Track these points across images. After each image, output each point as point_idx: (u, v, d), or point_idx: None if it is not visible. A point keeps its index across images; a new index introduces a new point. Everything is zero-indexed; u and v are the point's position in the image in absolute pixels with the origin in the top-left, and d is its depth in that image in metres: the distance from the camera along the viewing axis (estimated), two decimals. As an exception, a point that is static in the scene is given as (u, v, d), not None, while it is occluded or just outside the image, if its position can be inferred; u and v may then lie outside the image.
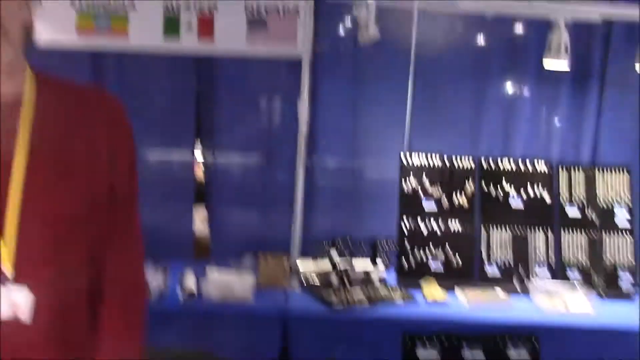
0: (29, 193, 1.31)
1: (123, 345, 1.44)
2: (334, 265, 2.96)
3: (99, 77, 3.27)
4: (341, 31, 3.42)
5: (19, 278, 1.31)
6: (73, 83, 1.45)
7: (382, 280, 3.04)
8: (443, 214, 3.12)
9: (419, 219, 3.11)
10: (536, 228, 3.12)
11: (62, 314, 1.36)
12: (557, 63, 3.08)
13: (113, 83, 3.27)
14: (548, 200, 3.15)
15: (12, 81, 1.32)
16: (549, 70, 3.31)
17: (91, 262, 1.42)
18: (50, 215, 1.34)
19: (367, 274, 3.04)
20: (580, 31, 3.35)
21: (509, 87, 3.52)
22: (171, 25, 3.14)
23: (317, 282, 2.95)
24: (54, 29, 3.08)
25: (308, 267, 3.02)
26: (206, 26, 3.15)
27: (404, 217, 3.11)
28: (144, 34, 3.15)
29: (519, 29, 3.45)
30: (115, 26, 3.14)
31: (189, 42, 3.16)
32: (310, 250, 3.03)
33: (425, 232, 3.09)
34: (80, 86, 1.45)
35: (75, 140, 1.38)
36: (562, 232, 3.12)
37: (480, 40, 3.50)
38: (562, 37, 3.06)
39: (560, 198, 3.17)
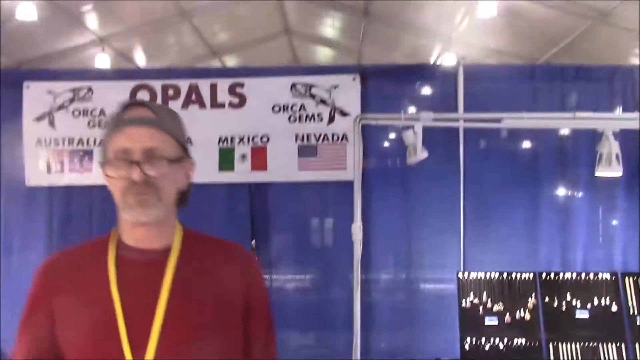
0: (164, 340, 1.43)
1: None
2: (397, 390, 2.88)
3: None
4: (390, 148, 3.52)
5: None
6: (215, 239, 1.62)
7: (449, 404, 2.93)
8: (506, 330, 3.03)
9: (481, 336, 3.02)
10: (607, 341, 2.99)
11: None
12: (609, 171, 3.07)
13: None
14: (616, 310, 3.04)
15: (162, 233, 1.50)
16: (604, 178, 3.29)
17: None
18: (184, 354, 1.44)
19: (432, 397, 2.94)
20: (627, 134, 3.36)
21: (562, 196, 3.51)
22: (226, 158, 3.31)
23: (381, 408, 2.87)
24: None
25: (371, 392, 2.94)
26: (259, 157, 3.30)
27: (466, 335, 3.04)
28: (199, 167, 3.30)
29: (566, 135, 3.48)
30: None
31: (242, 173, 3.31)
32: (372, 373, 2.97)
33: (489, 350, 3.00)
34: (221, 241, 1.62)
35: (213, 288, 1.51)
36: (635, 343, 2.98)
37: (528, 150, 3.53)
38: (612, 148, 3.05)
39: (629, 308, 3.05)
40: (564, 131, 3.50)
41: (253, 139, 3.32)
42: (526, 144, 3.55)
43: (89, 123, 3.38)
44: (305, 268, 3.53)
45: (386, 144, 3.52)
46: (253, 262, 1.62)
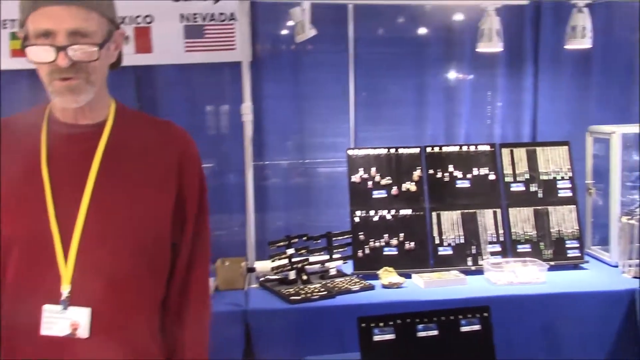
0: (93, 216, 1.40)
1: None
2: (291, 262, 3.00)
3: (36, 93, 3.24)
4: (279, 31, 3.46)
5: (76, 298, 1.39)
6: (149, 116, 1.60)
7: (340, 272, 3.09)
8: (393, 202, 3.19)
9: (370, 208, 3.17)
10: (484, 207, 3.21)
11: (120, 328, 1.44)
12: (490, 47, 3.18)
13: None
14: (493, 179, 3.25)
15: (95, 109, 1.46)
16: (486, 55, 3.42)
17: (154, 278, 1.51)
18: (110, 238, 1.42)
19: (324, 267, 3.09)
20: (511, 14, 3.46)
21: (449, 75, 3.62)
22: (108, 40, 3.15)
23: (275, 280, 2.99)
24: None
25: (265, 266, 3.05)
26: (143, 38, 3.16)
27: (355, 208, 3.17)
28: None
29: (453, 16, 3.54)
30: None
31: (126, 55, 3.14)
32: (267, 250, 3.06)
33: (377, 220, 3.16)
34: (154, 119, 1.61)
35: (145, 167, 1.48)
36: (509, 208, 3.22)
37: (417, 30, 3.58)
38: (493, 23, 3.15)
39: (505, 176, 3.26)
40: (452, 16, 3.54)
41: (136, 19, 3.17)
42: (414, 25, 3.58)
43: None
44: (200, 153, 3.49)
45: (277, 24, 3.45)
46: (187, 141, 1.58)
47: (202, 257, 1.60)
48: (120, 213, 1.43)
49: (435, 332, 2.13)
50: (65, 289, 1.38)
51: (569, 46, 3.28)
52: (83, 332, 1.39)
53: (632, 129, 3.32)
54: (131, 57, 3.17)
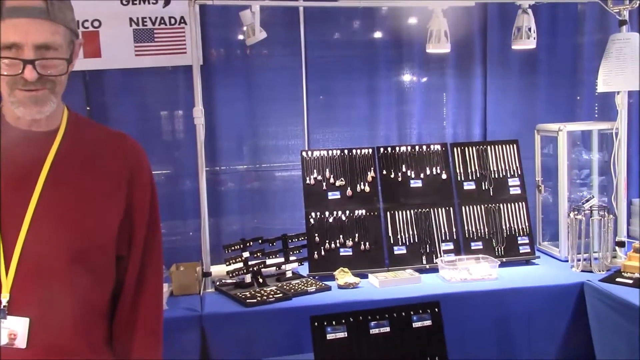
0: (37, 224, 1.37)
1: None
2: (247, 266, 2.99)
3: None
4: (231, 34, 3.45)
5: (15, 307, 1.36)
6: (100, 126, 1.57)
7: (296, 274, 3.10)
8: (348, 202, 3.21)
9: (325, 210, 3.18)
10: (437, 206, 3.25)
11: (59, 339, 1.41)
12: (438, 48, 3.23)
13: None
14: (445, 178, 3.29)
15: (50, 117, 1.43)
16: (436, 57, 3.47)
17: (97, 288, 1.48)
18: (53, 247, 1.39)
19: (280, 269, 3.09)
20: (458, 15, 3.53)
21: (400, 76, 3.66)
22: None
23: (231, 283, 2.98)
24: None
25: (221, 270, 3.04)
26: (92, 42, 3.12)
27: (311, 209, 3.18)
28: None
29: (404, 19, 3.58)
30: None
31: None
32: (223, 254, 3.04)
33: (332, 222, 3.17)
34: (107, 129, 1.58)
35: (94, 176, 1.46)
36: (462, 206, 3.27)
37: (369, 32, 3.61)
38: (441, 25, 3.21)
39: (457, 175, 3.32)
40: (402, 14, 3.58)
41: (83, 23, 3.12)
42: (365, 28, 3.62)
43: None
44: (154, 159, 3.45)
45: (228, 28, 3.44)
46: (139, 152, 1.56)
47: (154, 269, 1.59)
48: (65, 222, 1.40)
49: (387, 329, 2.16)
50: (4, 298, 1.36)
51: (515, 46, 3.36)
52: (21, 342, 1.36)
53: (578, 126, 3.42)
54: (79, 62, 3.09)
